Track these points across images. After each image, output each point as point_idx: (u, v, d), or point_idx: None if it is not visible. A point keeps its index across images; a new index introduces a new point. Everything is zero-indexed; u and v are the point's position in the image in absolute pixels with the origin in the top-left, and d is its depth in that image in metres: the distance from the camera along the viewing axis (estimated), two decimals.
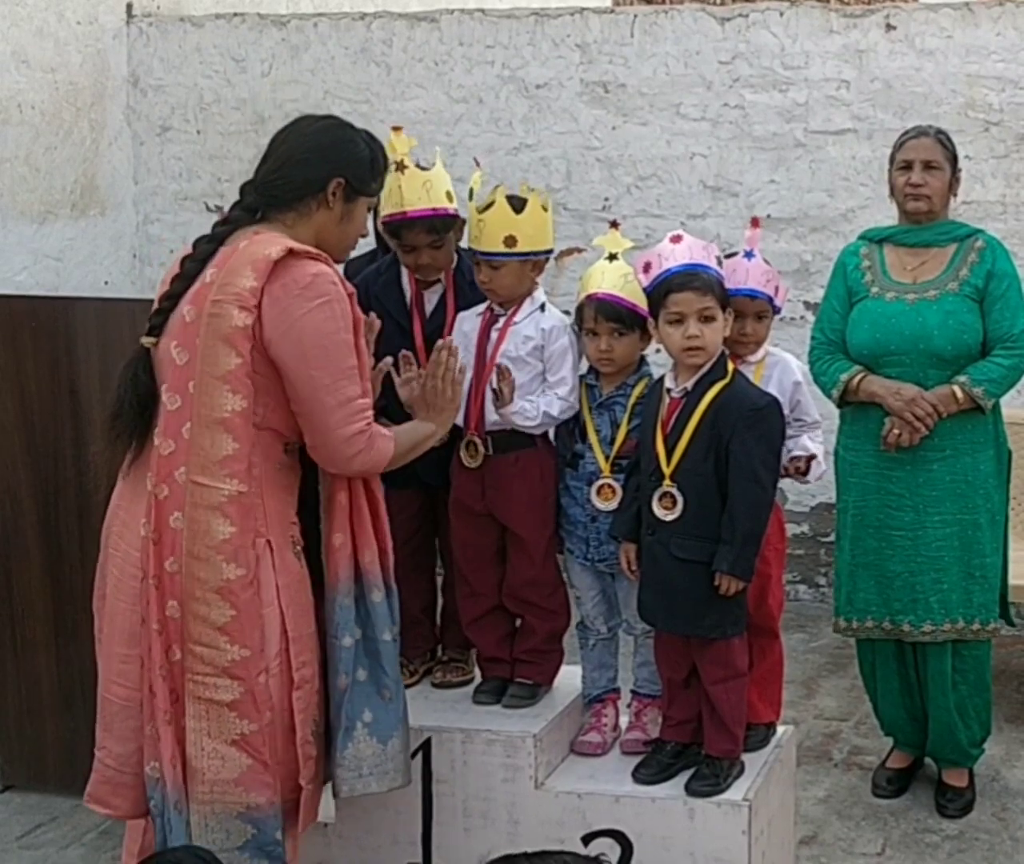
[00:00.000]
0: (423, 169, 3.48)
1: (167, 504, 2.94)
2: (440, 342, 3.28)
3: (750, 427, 3.20)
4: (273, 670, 2.98)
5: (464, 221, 3.53)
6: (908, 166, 4.32)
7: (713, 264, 3.28)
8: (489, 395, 3.40)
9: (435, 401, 3.22)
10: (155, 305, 3.06)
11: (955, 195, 4.42)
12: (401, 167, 3.43)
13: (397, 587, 3.20)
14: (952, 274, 4.30)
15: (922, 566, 4.29)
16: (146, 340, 3.04)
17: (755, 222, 3.47)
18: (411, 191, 3.42)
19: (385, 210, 3.50)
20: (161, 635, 2.96)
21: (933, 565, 4.28)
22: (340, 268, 3.16)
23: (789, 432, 3.45)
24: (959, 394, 4.20)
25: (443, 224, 3.47)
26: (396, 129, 3.45)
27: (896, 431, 4.20)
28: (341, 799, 3.18)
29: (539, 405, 3.43)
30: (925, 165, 4.30)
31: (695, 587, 3.23)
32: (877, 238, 4.48)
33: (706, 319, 3.22)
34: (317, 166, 3.04)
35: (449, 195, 3.47)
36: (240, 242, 2.98)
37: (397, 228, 3.49)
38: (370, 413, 3.04)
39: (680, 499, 3.23)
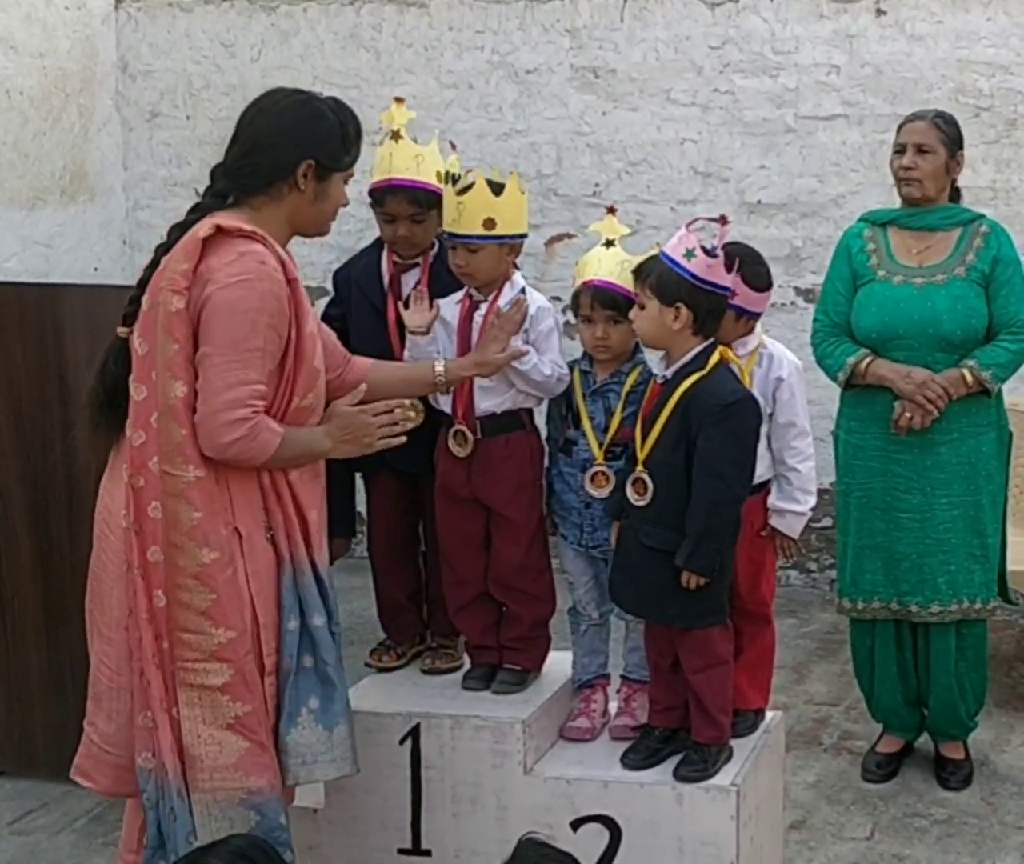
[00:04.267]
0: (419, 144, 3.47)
1: (144, 494, 2.94)
2: (407, 402, 3.16)
3: (716, 423, 3.18)
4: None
5: (520, 244, 3.50)
6: (902, 150, 4.34)
7: (676, 257, 3.19)
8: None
9: (354, 429, 3.07)
10: (130, 295, 3.06)
11: (955, 178, 4.41)
12: (396, 136, 3.43)
13: (330, 576, 3.11)
14: (958, 259, 4.32)
15: (930, 548, 4.32)
16: (122, 331, 3.04)
17: (723, 220, 3.30)
18: (401, 160, 3.43)
19: (373, 177, 3.50)
20: (151, 624, 2.95)
21: (941, 547, 4.32)
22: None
23: (777, 457, 3.48)
24: (969, 378, 4.23)
25: (427, 199, 3.46)
26: (399, 100, 3.44)
27: (908, 414, 4.22)
28: (290, 785, 3.10)
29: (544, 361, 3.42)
30: (917, 148, 4.31)
31: (660, 575, 3.22)
32: (880, 221, 4.47)
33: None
34: (285, 150, 2.99)
35: (439, 175, 3.45)
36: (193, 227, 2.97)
37: (381, 196, 3.49)
38: (261, 403, 2.92)
39: (651, 486, 3.23)
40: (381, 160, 3.45)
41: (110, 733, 3.09)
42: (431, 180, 3.45)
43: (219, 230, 2.90)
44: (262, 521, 3.01)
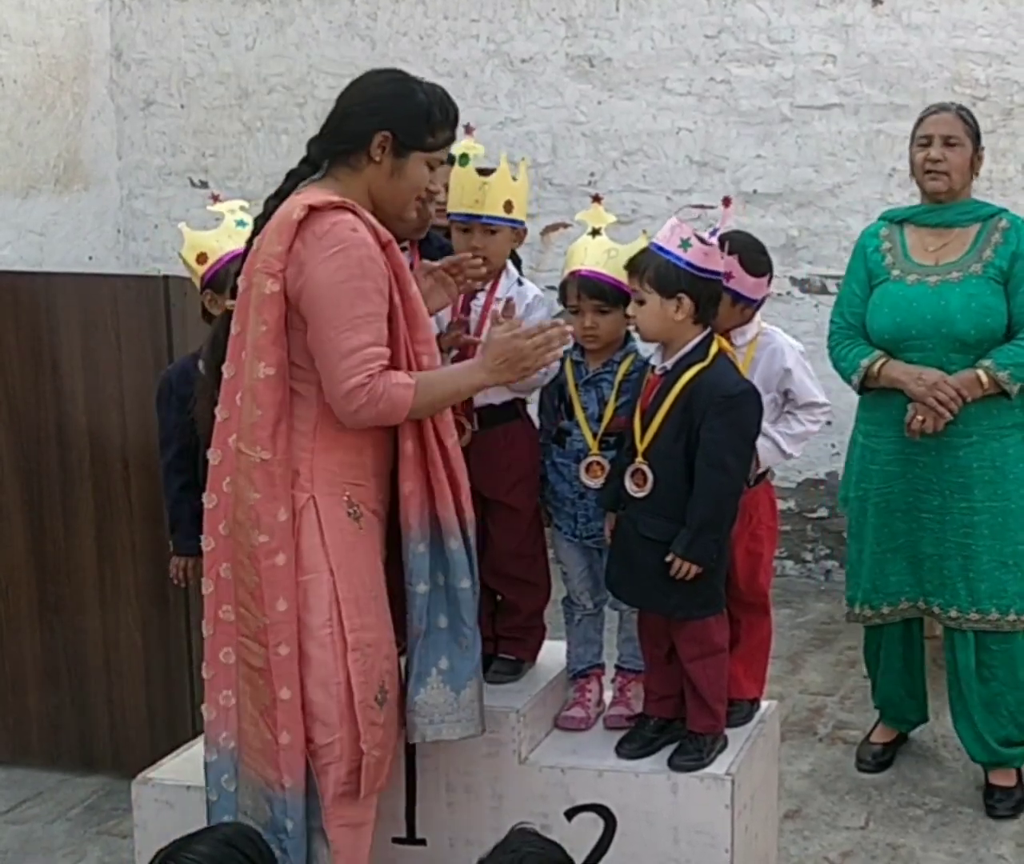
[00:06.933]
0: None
1: (220, 470, 3.00)
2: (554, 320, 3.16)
3: (720, 414, 3.16)
4: (322, 638, 2.97)
5: (525, 230, 3.44)
6: (928, 142, 4.21)
7: (672, 247, 3.18)
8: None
9: (509, 354, 3.04)
10: (236, 268, 3.12)
11: (976, 173, 4.30)
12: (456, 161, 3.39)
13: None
14: (975, 255, 4.18)
15: (949, 551, 4.20)
16: (229, 303, 3.09)
17: (727, 201, 3.27)
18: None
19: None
20: (215, 597, 3.03)
21: (960, 552, 4.18)
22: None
23: (781, 413, 3.46)
24: (984, 378, 4.08)
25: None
26: (468, 129, 3.36)
27: (920, 417, 4.08)
28: (416, 742, 3.17)
29: None
30: (944, 140, 4.18)
31: (660, 566, 3.20)
32: (898, 219, 4.34)
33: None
34: (363, 119, 3.01)
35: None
36: (283, 206, 2.99)
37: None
38: (376, 364, 2.91)
39: (650, 477, 3.22)
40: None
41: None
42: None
43: (312, 209, 2.91)
44: (345, 496, 3.01)
